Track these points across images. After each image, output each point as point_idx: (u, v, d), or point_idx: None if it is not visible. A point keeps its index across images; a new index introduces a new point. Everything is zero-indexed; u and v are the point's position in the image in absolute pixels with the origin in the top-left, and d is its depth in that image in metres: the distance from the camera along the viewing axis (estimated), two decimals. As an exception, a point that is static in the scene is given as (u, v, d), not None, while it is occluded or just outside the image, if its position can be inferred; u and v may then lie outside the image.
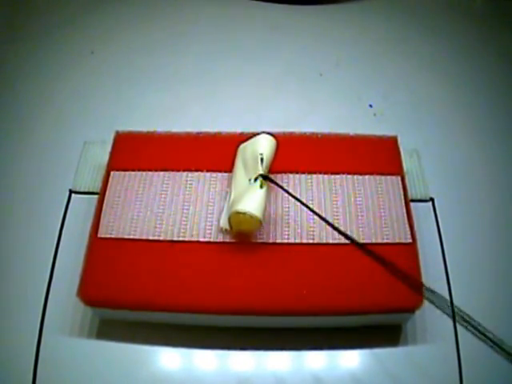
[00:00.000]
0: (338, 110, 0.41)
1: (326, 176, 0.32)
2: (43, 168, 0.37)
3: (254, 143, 0.30)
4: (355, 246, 0.25)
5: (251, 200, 0.28)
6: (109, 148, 0.34)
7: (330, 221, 0.29)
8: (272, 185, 0.29)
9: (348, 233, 0.29)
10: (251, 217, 0.27)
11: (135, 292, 0.28)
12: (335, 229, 0.26)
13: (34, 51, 0.45)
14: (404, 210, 0.31)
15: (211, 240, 0.29)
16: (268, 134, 0.30)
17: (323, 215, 0.27)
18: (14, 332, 0.29)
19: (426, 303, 0.27)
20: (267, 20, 0.49)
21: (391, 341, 0.30)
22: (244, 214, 0.27)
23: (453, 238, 0.33)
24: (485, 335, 0.21)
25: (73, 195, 0.34)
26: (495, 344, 0.21)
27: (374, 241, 0.29)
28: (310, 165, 0.33)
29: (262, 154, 0.29)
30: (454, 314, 0.30)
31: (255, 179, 0.29)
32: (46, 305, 0.30)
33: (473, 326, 0.21)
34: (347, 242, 0.29)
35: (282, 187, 0.29)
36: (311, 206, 0.29)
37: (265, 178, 0.29)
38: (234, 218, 0.28)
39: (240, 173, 0.30)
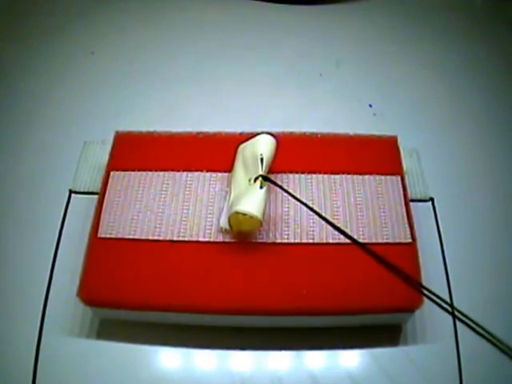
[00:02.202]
0: (338, 110, 0.41)
1: (325, 176, 0.32)
2: (43, 168, 0.37)
3: (254, 143, 0.30)
4: (356, 245, 0.25)
5: (251, 200, 0.28)
6: (109, 148, 0.34)
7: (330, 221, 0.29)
8: (272, 185, 0.29)
9: (348, 233, 0.29)
10: (251, 217, 0.27)
11: (135, 292, 0.28)
12: (336, 228, 0.26)
13: (34, 51, 0.45)
14: (404, 210, 0.31)
15: (211, 240, 0.29)
16: (268, 133, 0.30)
17: (323, 215, 0.27)
18: (14, 332, 0.29)
19: (425, 303, 0.27)
20: (267, 20, 0.49)
21: (391, 341, 0.30)
22: (244, 214, 0.27)
23: (452, 237, 0.33)
24: (484, 335, 0.21)
25: (73, 195, 0.35)
26: (494, 343, 0.21)
27: (373, 241, 0.30)
28: (309, 165, 0.33)
29: (261, 155, 0.29)
30: (453, 313, 0.30)
31: (255, 179, 0.29)
32: (46, 305, 0.30)
33: (472, 328, 0.21)
34: (347, 241, 0.29)
35: (282, 188, 0.29)
36: (311, 206, 0.29)
37: (265, 178, 0.29)
38: (233, 219, 0.28)
39: (240, 173, 0.30)
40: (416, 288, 0.25)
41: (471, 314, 0.29)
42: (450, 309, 0.22)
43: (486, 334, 0.21)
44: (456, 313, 0.22)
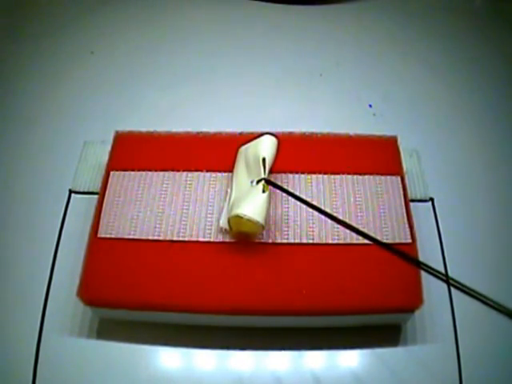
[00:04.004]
0: (338, 110, 0.41)
1: (325, 176, 0.32)
2: (43, 168, 0.37)
3: (257, 144, 0.30)
4: (366, 238, 0.25)
5: (253, 204, 0.28)
6: (109, 148, 0.34)
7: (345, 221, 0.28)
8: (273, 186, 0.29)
9: (347, 233, 0.29)
10: (252, 221, 0.27)
11: (135, 292, 0.28)
12: (351, 228, 0.25)
13: (34, 51, 0.45)
14: (404, 210, 0.31)
15: (211, 240, 0.29)
16: (270, 134, 0.30)
17: (338, 217, 0.27)
18: (14, 332, 0.29)
19: (425, 304, 0.27)
20: (267, 20, 0.49)
21: (391, 341, 0.30)
22: (246, 218, 0.27)
23: (452, 238, 0.33)
24: (480, 298, 0.21)
25: (73, 195, 0.35)
26: (491, 305, 0.21)
27: (373, 241, 0.29)
28: (309, 165, 0.33)
29: (264, 158, 0.29)
30: (453, 313, 0.30)
31: (257, 182, 0.29)
32: (46, 305, 0.30)
33: (467, 293, 0.22)
34: (347, 242, 0.29)
35: (286, 191, 0.28)
36: (323, 209, 0.29)
37: (268, 182, 0.29)
38: (234, 220, 0.28)
39: (241, 174, 0.30)
40: (413, 262, 0.25)
41: (471, 314, 0.29)
42: (444, 278, 0.23)
43: (482, 297, 0.21)
44: (451, 281, 0.22)
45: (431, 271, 0.23)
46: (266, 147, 0.30)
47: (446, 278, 0.23)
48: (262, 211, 0.28)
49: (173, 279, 0.28)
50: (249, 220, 0.27)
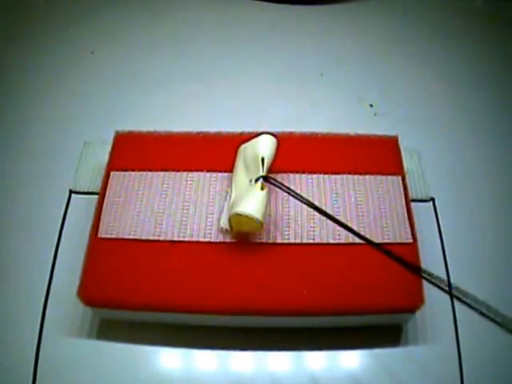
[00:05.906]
0: (338, 110, 0.41)
1: (326, 176, 0.32)
2: (43, 168, 0.37)
3: (255, 144, 0.30)
4: (368, 244, 0.25)
5: (252, 202, 0.28)
6: (109, 148, 0.34)
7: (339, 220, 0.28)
8: (272, 186, 0.29)
9: (348, 232, 0.29)
10: (252, 219, 0.27)
11: (135, 292, 0.27)
12: (347, 228, 0.25)
13: (34, 51, 0.45)
14: (405, 210, 0.31)
15: (211, 240, 0.29)
16: (268, 133, 0.30)
17: (332, 215, 0.27)
18: (14, 332, 0.29)
19: (426, 304, 0.27)
20: (267, 20, 0.49)
21: (392, 341, 0.29)
22: (245, 216, 0.27)
23: (453, 237, 0.33)
24: (484, 312, 0.21)
25: (73, 195, 0.34)
26: (494, 319, 0.21)
27: (374, 241, 0.29)
28: (309, 165, 0.33)
29: (263, 156, 0.29)
30: (454, 313, 0.30)
31: (256, 180, 0.29)
32: (46, 305, 0.30)
33: (470, 305, 0.21)
34: (347, 242, 0.29)
35: (284, 189, 0.28)
36: (320, 207, 0.29)
37: (266, 179, 0.29)
38: (234, 220, 0.28)
39: (241, 173, 0.30)
40: (416, 272, 0.25)
41: (472, 314, 0.29)
42: (447, 289, 0.23)
43: (486, 311, 0.21)
44: (454, 292, 0.22)
45: (433, 281, 0.23)
46: (264, 147, 0.30)
47: (449, 290, 0.22)
48: (261, 208, 0.28)
49: (173, 279, 0.28)
50: (248, 218, 0.27)
